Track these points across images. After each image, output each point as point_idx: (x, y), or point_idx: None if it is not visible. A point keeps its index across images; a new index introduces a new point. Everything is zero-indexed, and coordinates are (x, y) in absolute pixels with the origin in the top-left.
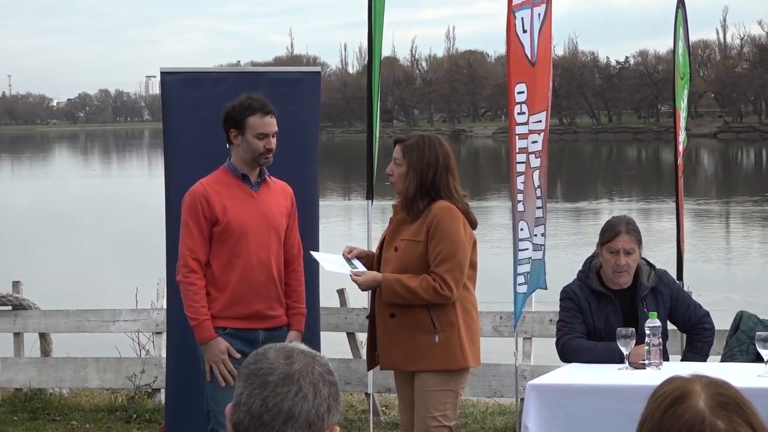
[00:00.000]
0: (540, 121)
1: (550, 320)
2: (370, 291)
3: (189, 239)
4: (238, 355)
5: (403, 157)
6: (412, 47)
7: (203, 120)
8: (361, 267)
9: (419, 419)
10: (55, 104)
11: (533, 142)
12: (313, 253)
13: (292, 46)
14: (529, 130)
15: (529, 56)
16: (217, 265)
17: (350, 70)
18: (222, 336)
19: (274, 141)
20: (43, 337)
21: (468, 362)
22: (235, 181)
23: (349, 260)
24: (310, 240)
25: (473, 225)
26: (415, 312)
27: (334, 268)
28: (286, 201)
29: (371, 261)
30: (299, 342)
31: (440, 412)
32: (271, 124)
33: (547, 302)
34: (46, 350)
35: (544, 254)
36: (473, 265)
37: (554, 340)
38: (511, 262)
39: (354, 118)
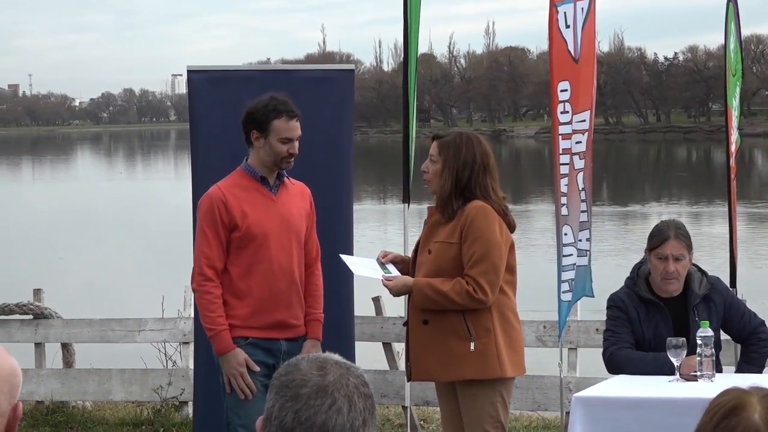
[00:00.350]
0: (584, 121)
1: (597, 329)
2: (406, 297)
3: (205, 246)
4: (257, 368)
5: (439, 154)
6: (450, 43)
7: (231, 120)
8: (395, 272)
9: None
10: (77, 104)
11: (577, 143)
12: (342, 256)
13: (324, 43)
14: (572, 130)
15: (572, 53)
16: (235, 272)
17: (385, 67)
18: (243, 346)
19: (297, 145)
20: (66, 347)
21: (505, 371)
22: (254, 184)
23: (383, 265)
24: (344, 245)
25: (511, 227)
26: (450, 318)
27: (365, 273)
28: (305, 203)
29: (407, 266)
30: (316, 351)
31: (493, 425)
32: (296, 128)
33: (593, 310)
34: (68, 361)
35: (589, 260)
36: (511, 269)
37: (601, 350)
38: (555, 269)
39: (389, 118)
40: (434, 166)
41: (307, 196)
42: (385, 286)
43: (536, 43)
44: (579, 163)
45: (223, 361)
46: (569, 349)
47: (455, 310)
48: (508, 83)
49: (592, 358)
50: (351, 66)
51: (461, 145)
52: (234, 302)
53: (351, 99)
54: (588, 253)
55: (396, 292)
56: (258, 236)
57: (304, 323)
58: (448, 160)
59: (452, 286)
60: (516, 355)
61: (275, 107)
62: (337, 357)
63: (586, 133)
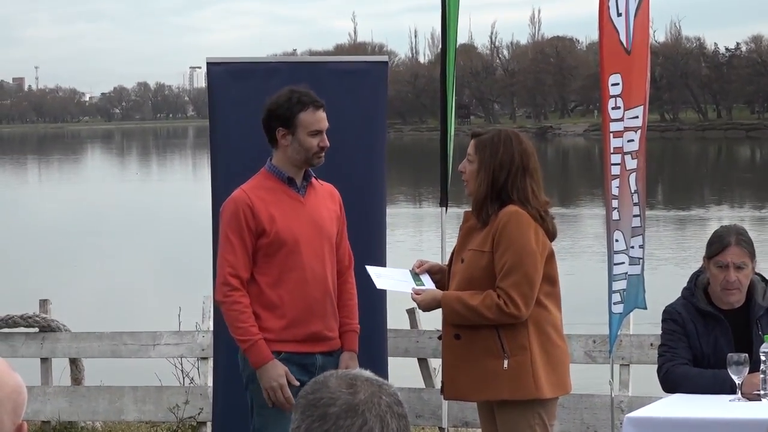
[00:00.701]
0: (636, 117)
1: (651, 344)
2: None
3: (230, 254)
4: (297, 383)
5: (476, 153)
6: (492, 33)
7: (255, 116)
8: (428, 284)
9: None
10: (87, 99)
11: (629, 141)
12: (368, 267)
13: (355, 33)
14: (624, 127)
15: (624, 43)
16: (264, 281)
17: (421, 59)
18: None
19: (326, 138)
20: (74, 362)
21: (542, 392)
22: (280, 186)
23: (416, 276)
24: (375, 253)
25: (550, 235)
26: (482, 333)
27: (391, 286)
28: (335, 205)
29: (446, 276)
30: (354, 364)
31: None
32: (323, 119)
33: (647, 323)
34: (77, 378)
35: (642, 269)
36: (551, 280)
37: (655, 367)
38: (605, 278)
39: (425, 114)
40: (471, 166)
41: (336, 198)
42: (414, 300)
43: (585, 32)
44: (631, 163)
45: (262, 374)
46: (621, 365)
47: (488, 325)
48: (554, 76)
49: (645, 375)
50: (384, 58)
51: (498, 144)
52: (264, 314)
53: (384, 93)
54: (641, 261)
55: (425, 307)
56: (288, 242)
57: (339, 335)
58: (484, 160)
59: (482, 299)
60: (556, 374)
61: (299, 99)
62: (368, 374)
63: (639, 131)
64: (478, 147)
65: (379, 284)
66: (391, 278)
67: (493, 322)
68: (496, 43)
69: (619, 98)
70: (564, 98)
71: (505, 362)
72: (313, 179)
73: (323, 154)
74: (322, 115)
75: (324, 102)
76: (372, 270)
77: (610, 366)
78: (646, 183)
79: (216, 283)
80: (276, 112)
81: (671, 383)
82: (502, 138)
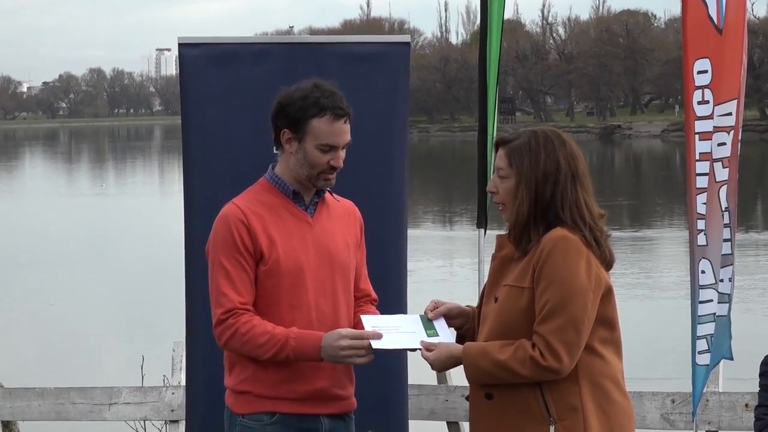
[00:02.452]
0: (729, 114)
1: (746, 405)
2: None
3: (226, 285)
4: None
5: (510, 165)
6: (544, 7)
7: (239, 112)
8: (445, 332)
9: None
10: (25, 90)
11: (719, 145)
12: (364, 317)
13: (368, 6)
14: (713, 127)
15: (714, 20)
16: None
17: (453, 39)
18: (268, 427)
19: (343, 155)
20: (8, 426)
21: None
22: (283, 201)
23: (428, 323)
24: (394, 287)
25: (607, 264)
26: (522, 392)
27: (392, 343)
28: (353, 228)
29: (470, 321)
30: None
31: None
32: (343, 132)
33: (741, 380)
34: None
35: (729, 309)
36: (609, 323)
37: None
38: (688, 320)
39: (458, 110)
40: (506, 182)
41: (356, 219)
42: (424, 357)
43: (664, 5)
44: (721, 174)
45: (326, 356)
46: (707, 431)
47: (529, 382)
48: (624, 62)
49: None
50: (406, 37)
51: (539, 149)
52: (253, 364)
53: (405, 83)
54: (728, 298)
55: (439, 366)
56: (290, 273)
57: (353, 392)
58: (523, 172)
59: (513, 352)
60: None
61: (317, 101)
62: None
63: (732, 132)
64: (512, 156)
65: (376, 344)
66: (394, 329)
67: (530, 379)
68: (549, 20)
69: (708, 90)
70: (636, 90)
71: (552, 429)
72: (327, 194)
73: (333, 175)
74: (342, 127)
75: (351, 111)
76: (368, 320)
77: None
78: (737, 199)
79: (213, 325)
80: (286, 109)
81: None
82: (540, 141)
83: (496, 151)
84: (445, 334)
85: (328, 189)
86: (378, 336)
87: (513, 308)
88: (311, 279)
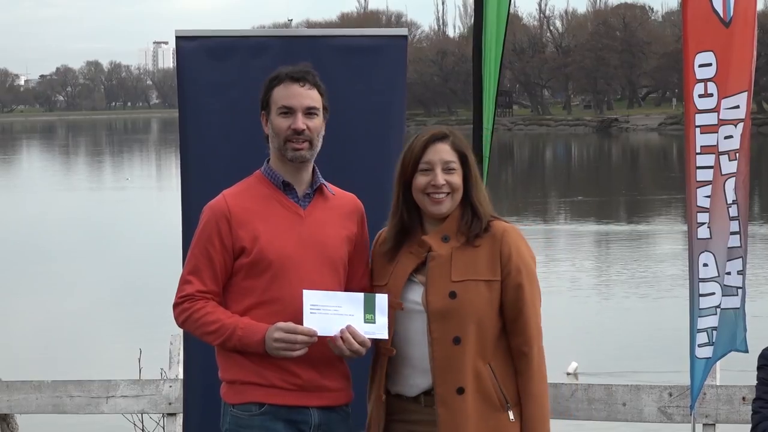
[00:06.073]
0: (737, 107)
1: (743, 398)
2: None
3: (190, 273)
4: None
5: (459, 158)
6: (541, 0)
7: (237, 106)
8: (382, 321)
9: None
10: (22, 83)
11: (726, 138)
12: (305, 292)
13: (365, 0)
14: (719, 120)
15: (720, 13)
16: (239, 310)
17: (450, 32)
18: (257, 417)
19: (311, 122)
20: (5, 420)
21: None
22: (274, 192)
23: (371, 304)
24: None
25: None
26: (486, 384)
27: (324, 331)
28: (351, 222)
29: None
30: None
31: None
32: (299, 95)
33: (739, 372)
34: None
35: (743, 301)
36: None
37: (748, 427)
38: (686, 313)
39: (455, 102)
40: (455, 175)
41: (357, 213)
42: (337, 345)
43: None
44: (729, 166)
45: (268, 348)
46: (705, 425)
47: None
48: (621, 55)
49: None
50: (403, 31)
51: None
52: (243, 353)
53: (402, 76)
54: (740, 291)
55: None
56: (273, 265)
57: (346, 385)
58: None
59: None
60: None
61: (277, 75)
62: None
63: (741, 125)
64: (459, 147)
65: (309, 321)
66: (333, 311)
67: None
68: (547, 12)
69: (711, 83)
70: (633, 83)
71: (510, 414)
72: (323, 185)
73: (300, 142)
74: (299, 90)
75: (314, 75)
76: (309, 297)
77: (691, 426)
78: (748, 192)
79: (172, 309)
80: (260, 93)
81: None
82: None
83: (435, 143)
84: (381, 322)
85: (324, 183)
86: (313, 333)
87: (481, 301)
88: (295, 271)
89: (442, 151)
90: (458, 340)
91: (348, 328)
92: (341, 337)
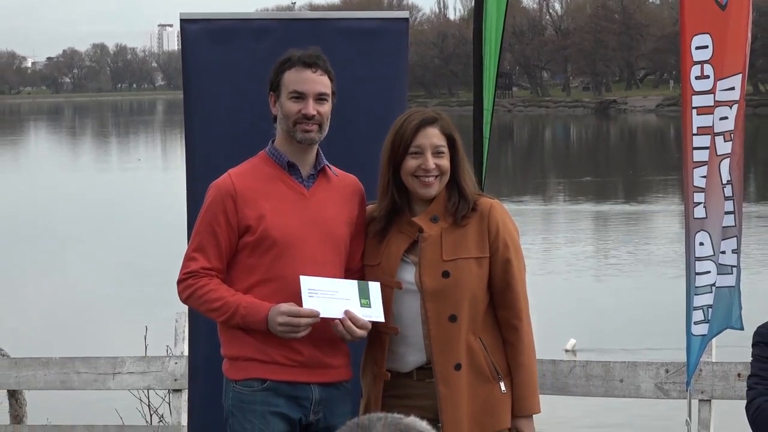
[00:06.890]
0: (733, 89)
1: (738, 374)
2: None
3: (196, 251)
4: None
5: (447, 141)
6: None
7: (240, 88)
8: (377, 305)
9: None
10: (29, 65)
11: (722, 119)
12: (303, 278)
13: None
14: (715, 101)
15: None
16: (243, 287)
17: (451, 14)
18: (259, 392)
19: (321, 107)
20: (14, 396)
21: None
22: (279, 173)
23: (365, 290)
24: None
25: None
26: (479, 358)
27: (325, 313)
28: (352, 204)
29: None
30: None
31: None
32: (312, 80)
33: (734, 348)
34: (17, 415)
35: (738, 279)
36: None
37: (743, 403)
38: (683, 292)
39: (456, 84)
40: (444, 159)
41: (358, 194)
42: (341, 330)
43: None
44: (724, 147)
45: (271, 329)
46: (701, 400)
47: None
48: (620, 37)
49: (732, 412)
50: (404, 13)
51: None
52: (245, 329)
53: (404, 59)
54: (735, 270)
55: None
56: (278, 243)
57: (346, 362)
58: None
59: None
60: None
61: (288, 58)
62: (423, 425)
63: (736, 106)
64: (446, 130)
65: (308, 305)
66: (330, 296)
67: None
68: None
69: (708, 65)
70: (631, 65)
71: (501, 385)
72: (327, 167)
73: (310, 126)
74: (311, 76)
75: (325, 61)
76: (307, 282)
77: (687, 401)
78: (742, 172)
79: (176, 285)
80: (270, 75)
81: (763, 422)
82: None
83: (425, 128)
84: (377, 305)
85: (327, 164)
86: (315, 314)
87: (473, 279)
88: (299, 250)
89: (433, 136)
90: (454, 318)
91: (346, 312)
92: (342, 322)
